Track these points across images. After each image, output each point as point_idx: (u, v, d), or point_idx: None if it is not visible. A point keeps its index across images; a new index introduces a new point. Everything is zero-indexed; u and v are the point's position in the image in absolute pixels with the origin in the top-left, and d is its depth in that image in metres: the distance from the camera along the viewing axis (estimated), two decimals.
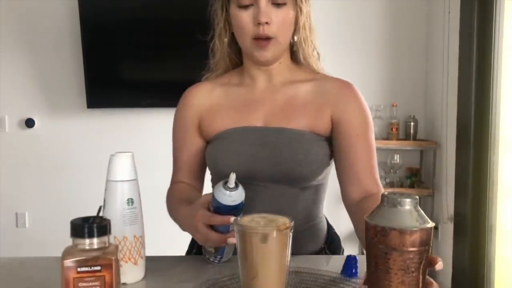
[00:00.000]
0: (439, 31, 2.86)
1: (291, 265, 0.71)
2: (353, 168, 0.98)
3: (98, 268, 0.60)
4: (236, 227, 0.69)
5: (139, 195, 0.85)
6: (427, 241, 0.57)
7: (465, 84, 2.53)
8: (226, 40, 1.04)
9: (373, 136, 1.01)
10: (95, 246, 0.61)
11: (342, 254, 1.13)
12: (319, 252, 1.07)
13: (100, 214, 0.65)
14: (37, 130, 3.17)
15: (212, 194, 0.83)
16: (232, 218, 0.75)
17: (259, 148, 0.99)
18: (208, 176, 1.11)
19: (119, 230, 0.81)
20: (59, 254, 0.62)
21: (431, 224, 0.57)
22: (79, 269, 0.59)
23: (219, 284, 0.81)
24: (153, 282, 0.85)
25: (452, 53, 2.70)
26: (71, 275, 0.59)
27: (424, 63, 3.14)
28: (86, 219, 0.62)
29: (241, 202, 0.82)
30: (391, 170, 2.98)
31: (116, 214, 0.81)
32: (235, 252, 0.74)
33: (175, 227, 0.99)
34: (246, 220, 0.71)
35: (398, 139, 3.02)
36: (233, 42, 1.05)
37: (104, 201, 0.83)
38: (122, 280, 0.79)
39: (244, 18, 0.96)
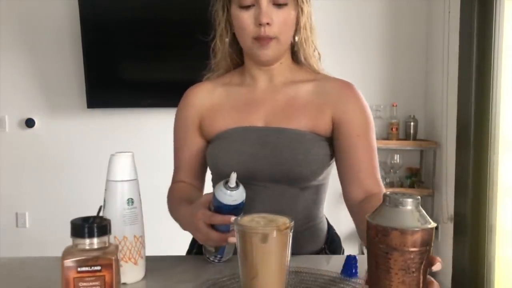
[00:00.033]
0: (439, 31, 2.86)
1: (291, 265, 0.71)
2: (354, 168, 0.98)
3: (98, 268, 0.60)
4: (236, 227, 0.69)
5: (139, 195, 0.85)
6: (428, 241, 0.57)
7: (465, 84, 2.53)
8: (227, 40, 1.04)
9: (374, 136, 1.01)
10: (95, 246, 0.61)
11: (343, 254, 1.13)
12: (319, 252, 1.07)
13: (100, 214, 0.65)
14: (37, 130, 3.17)
15: (213, 194, 0.83)
16: (233, 218, 0.76)
17: (259, 148, 0.99)
18: (208, 175, 1.11)
19: (119, 230, 0.81)
20: (59, 254, 0.62)
21: (432, 225, 0.57)
22: (79, 269, 0.59)
23: (219, 284, 0.81)
24: (153, 282, 0.85)
25: (452, 53, 2.70)
26: (71, 275, 0.59)
27: (424, 63, 3.14)
28: (86, 219, 0.62)
29: (242, 202, 0.82)
30: (391, 170, 2.98)
31: (116, 214, 0.81)
32: (235, 252, 0.74)
33: (175, 227, 0.99)
34: (246, 220, 0.71)
35: (398, 139, 3.02)
36: (234, 42, 1.05)
37: (104, 201, 0.83)
38: (122, 280, 0.79)
39: (245, 18, 0.96)
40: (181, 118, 1.10)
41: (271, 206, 0.97)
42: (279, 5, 0.96)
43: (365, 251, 0.64)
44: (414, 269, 0.57)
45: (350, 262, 0.85)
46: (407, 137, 3.05)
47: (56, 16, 3.07)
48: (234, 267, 0.76)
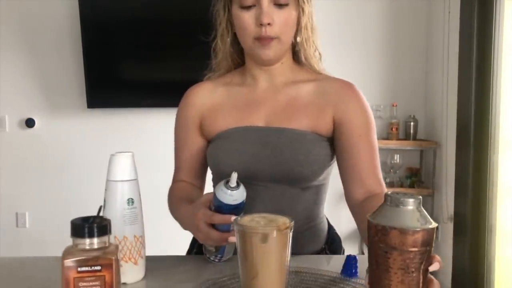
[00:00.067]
0: (439, 31, 2.86)
1: (291, 265, 0.71)
2: (356, 168, 0.98)
3: (98, 268, 0.60)
4: (236, 227, 0.70)
5: (139, 195, 0.85)
6: (429, 241, 0.57)
7: (465, 84, 2.53)
8: (228, 40, 1.04)
9: (375, 136, 1.01)
10: (95, 246, 0.61)
11: (343, 254, 1.13)
12: (320, 252, 1.07)
13: (100, 214, 0.65)
14: (37, 130, 3.17)
15: (214, 193, 0.83)
16: (233, 217, 0.76)
17: (260, 148, 0.99)
18: (209, 175, 1.11)
19: (119, 230, 0.81)
20: (59, 254, 0.62)
21: (433, 225, 0.57)
22: (79, 269, 0.59)
23: (219, 284, 0.81)
24: (153, 282, 0.85)
25: (452, 53, 2.70)
26: (72, 275, 0.59)
27: (424, 63, 3.14)
28: (86, 219, 0.62)
29: (242, 202, 0.82)
30: (391, 170, 2.98)
31: (116, 214, 0.81)
32: (235, 252, 0.74)
33: (175, 227, 0.99)
34: (246, 220, 0.71)
35: (398, 139, 3.02)
36: (236, 42, 1.04)
37: (104, 201, 0.83)
38: (122, 280, 0.79)
39: (247, 19, 0.96)
40: (182, 117, 1.10)
41: (271, 206, 0.97)
42: (280, 5, 0.96)
43: (365, 251, 0.64)
44: (413, 269, 0.57)
45: (350, 262, 0.85)
46: (407, 137, 3.05)
47: (56, 16, 3.07)
48: (234, 267, 0.76)
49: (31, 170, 3.19)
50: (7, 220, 3.19)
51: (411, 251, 0.56)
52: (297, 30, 1.01)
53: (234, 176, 0.81)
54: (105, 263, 0.60)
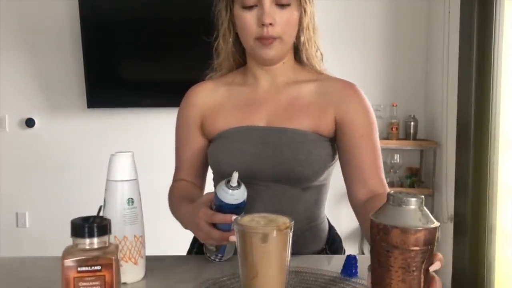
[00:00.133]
0: (439, 31, 2.86)
1: (291, 265, 0.71)
2: (359, 168, 0.98)
3: (99, 267, 0.60)
4: (236, 226, 0.69)
5: (139, 194, 0.85)
6: (430, 241, 0.57)
7: (465, 84, 2.53)
8: (230, 40, 1.04)
9: (377, 136, 1.01)
10: (95, 246, 0.61)
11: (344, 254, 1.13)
12: (321, 252, 1.07)
13: (100, 214, 0.65)
14: (37, 130, 3.17)
15: (215, 193, 0.83)
16: (234, 217, 0.76)
17: (261, 147, 0.99)
18: (210, 175, 1.11)
19: (119, 229, 0.81)
20: (59, 254, 0.62)
21: (435, 225, 0.57)
22: (79, 269, 0.59)
23: (219, 284, 0.81)
24: (153, 282, 0.85)
25: (452, 53, 2.70)
26: (72, 274, 0.59)
27: (424, 63, 3.14)
28: (86, 219, 0.62)
29: (243, 201, 0.82)
30: (391, 170, 2.98)
31: (116, 214, 0.81)
32: (236, 252, 0.74)
33: (176, 226, 0.99)
34: (246, 219, 0.71)
35: (398, 139, 3.02)
36: (237, 42, 1.04)
37: (104, 201, 0.83)
38: (122, 280, 0.79)
39: (248, 19, 0.96)
40: (183, 117, 1.10)
41: (272, 206, 0.97)
42: (282, 6, 0.96)
43: (365, 251, 0.64)
44: (414, 268, 0.57)
45: (350, 262, 0.85)
46: (407, 137, 3.05)
47: (56, 16, 3.07)
48: (235, 266, 0.76)
49: (31, 170, 3.19)
50: (7, 220, 3.19)
51: (412, 250, 0.56)
52: (299, 30, 1.01)
53: (235, 175, 0.81)
54: (105, 263, 0.60)
